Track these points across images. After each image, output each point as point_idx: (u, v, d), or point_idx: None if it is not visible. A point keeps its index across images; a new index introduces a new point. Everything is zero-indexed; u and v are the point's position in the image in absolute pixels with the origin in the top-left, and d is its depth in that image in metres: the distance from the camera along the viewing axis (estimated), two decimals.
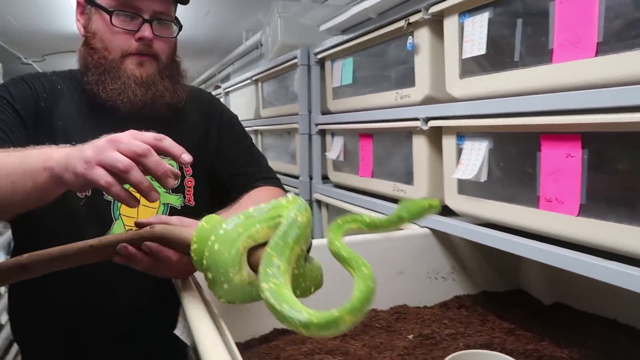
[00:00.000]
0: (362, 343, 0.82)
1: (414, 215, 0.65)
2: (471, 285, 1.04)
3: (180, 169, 0.93)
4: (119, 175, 0.58)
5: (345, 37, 1.42)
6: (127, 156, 0.58)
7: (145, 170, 0.59)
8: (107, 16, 0.88)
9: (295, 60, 1.72)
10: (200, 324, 0.58)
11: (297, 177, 1.81)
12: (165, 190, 0.92)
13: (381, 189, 1.31)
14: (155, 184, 0.61)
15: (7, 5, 2.72)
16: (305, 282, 0.63)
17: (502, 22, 0.86)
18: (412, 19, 1.08)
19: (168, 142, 0.62)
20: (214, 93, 3.53)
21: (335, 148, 1.55)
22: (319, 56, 1.63)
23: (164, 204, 0.94)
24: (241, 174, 1.03)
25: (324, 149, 1.67)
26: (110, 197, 0.88)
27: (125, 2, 0.88)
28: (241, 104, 2.65)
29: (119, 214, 0.90)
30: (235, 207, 0.85)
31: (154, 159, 0.59)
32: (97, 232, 0.80)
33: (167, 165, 0.60)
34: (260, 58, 3.19)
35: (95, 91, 0.90)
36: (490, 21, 0.88)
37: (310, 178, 1.75)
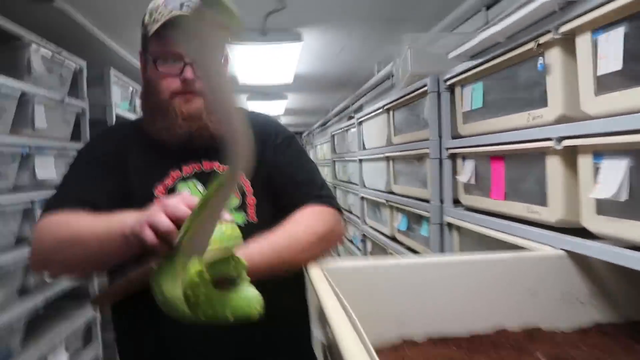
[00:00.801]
0: (490, 359, 0.83)
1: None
2: (614, 312, 0.98)
3: (241, 187, 1.00)
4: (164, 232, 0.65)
5: (474, 63, 1.45)
6: (171, 219, 0.65)
7: None
8: (154, 63, 0.98)
9: (425, 88, 1.77)
10: (339, 323, 0.66)
11: (428, 201, 1.84)
12: (229, 210, 0.98)
13: (514, 212, 1.29)
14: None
15: None
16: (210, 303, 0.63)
17: (638, 36, 0.84)
18: (542, 39, 1.08)
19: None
20: (347, 123, 3.73)
21: (466, 171, 1.56)
22: (449, 82, 1.66)
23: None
24: (295, 192, 1.05)
25: (454, 172, 1.69)
26: None
27: (168, 50, 0.97)
28: (373, 132, 2.76)
29: None
30: (279, 228, 0.90)
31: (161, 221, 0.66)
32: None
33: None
34: (391, 88, 3.30)
35: (151, 130, 1.01)
36: (626, 36, 0.86)
37: (442, 202, 1.77)
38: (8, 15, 1.51)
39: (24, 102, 1.61)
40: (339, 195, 4.50)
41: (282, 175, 1.06)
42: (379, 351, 0.97)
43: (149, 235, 0.66)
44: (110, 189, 0.95)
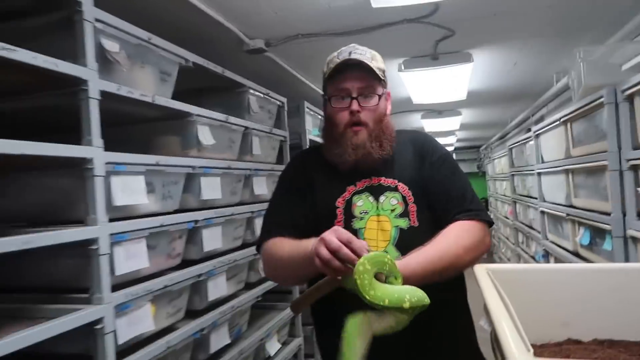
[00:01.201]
0: None
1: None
2: None
3: (404, 198, 1.20)
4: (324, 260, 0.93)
5: None
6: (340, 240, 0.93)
7: (339, 259, 0.92)
8: (329, 101, 1.22)
9: (602, 100, 1.76)
10: (500, 318, 0.82)
11: (609, 214, 1.80)
12: (395, 216, 1.19)
13: None
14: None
15: None
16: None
17: None
18: None
19: (356, 244, 0.92)
20: (524, 136, 3.65)
21: None
22: (627, 93, 1.64)
23: (394, 226, 1.19)
24: (447, 206, 1.19)
25: (637, 184, 1.64)
26: (356, 227, 1.19)
27: (338, 88, 1.19)
28: (551, 145, 2.71)
29: (364, 237, 1.19)
30: (432, 242, 1.07)
31: (343, 253, 0.91)
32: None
33: (347, 255, 0.92)
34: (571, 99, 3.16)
35: (329, 156, 1.24)
36: None
37: (624, 214, 1.72)
38: (230, 67, 1.99)
39: (245, 135, 2.08)
40: (519, 209, 4.37)
41: (437, 189, 1.22)
42: (542, 346, 1.08)
43: (324, 251, 0.93)
44: (304, 208, 1.24)
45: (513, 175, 4.55)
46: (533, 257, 3.62)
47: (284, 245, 1.16)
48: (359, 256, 0.91)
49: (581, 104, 2.00)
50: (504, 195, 5.59)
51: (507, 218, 5.39)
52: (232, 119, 1.92)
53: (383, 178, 1.23)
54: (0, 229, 1.16)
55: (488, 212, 1.26)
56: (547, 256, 3.01)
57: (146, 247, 1.36)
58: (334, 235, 0.94)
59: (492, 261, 7.25)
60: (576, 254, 2.34)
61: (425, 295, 0.92)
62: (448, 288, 1.16)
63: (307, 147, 1.50)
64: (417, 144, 1.28)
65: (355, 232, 1.19)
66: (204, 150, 1.72)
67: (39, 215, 1.29)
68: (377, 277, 0.92)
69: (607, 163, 1.76)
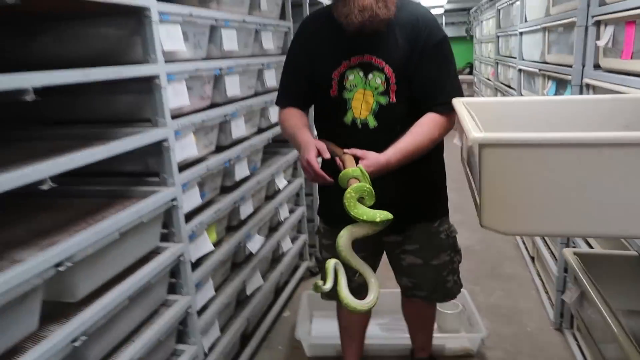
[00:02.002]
0: None
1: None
2: None
3: (387, 78, 1.46)
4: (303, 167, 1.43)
5: None
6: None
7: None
8: None
9: None
10: (466, 116, 1.15)
11: (571, 66, 2.10)
12: (378, 93, 1.47)
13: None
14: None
15: None
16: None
17: None
18: None
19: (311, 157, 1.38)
20: None
21: (605, 36, 1.80)
22: None
23: (376, 101, 1.48)
24: (424, 95, 1.46)
25: (597, 38, 1.92)
26: (346, 96, 1.50)
27: None
28: (535, 4, 2.91)
29: (351, 106, 1.50)
30: (407, 135, 1.41)
31: (306, 173, 1.43)
32: (341, 114, 1.51)
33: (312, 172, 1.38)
34: None
35: (336, 15, 1.41)
36: None
37: (583, 66, 2.03)
38: None
39: None
40: (500, 70, 4.63)
41: (420, 77, 1.45)
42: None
43: (302, 162, 1.41)
44: (305, 79, 1.58)
45: (499, 37, 4.73)
46: None
47: (290, 123, 1.57)
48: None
49: None
50: (488, 57, 5.80)
51: (488, 80, 5.67)
52: None
53: (374, 57, 1.47)
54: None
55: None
56: None
57: (186, 87, 1.65)
58: (306, 154, 1.38)
59: None
60: None
61: (389, 213, 1.26)
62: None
63: (315, 11, 1.71)
64: (415, 28, 1.44)
65: (344, 101, 1.51)
66: (222, 4, 1.92)
67: (101, 62, 1.54)
68: (359, 200, 1.28)
69: (575, 19, 2.02)
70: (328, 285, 1.23)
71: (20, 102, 0.91)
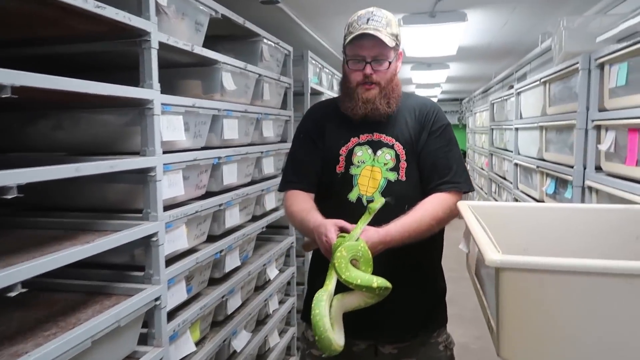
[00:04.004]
0: None
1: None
2: None
3: (397, 155, 1.44)
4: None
5: (620, 46, 1.67)
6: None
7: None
8: (347, 62, 1.44)
9: (577, 65, 2.01)
10: (476, 229, 1.09)
11: (572, 167, 2.09)
12: (386, 169, 1.43)
13: None
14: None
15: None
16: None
17: None
18: None
19: (331, 235, 1.23)
20: (506, 93, 3.90)
21: (607, 141, 1.80)
22: (598, 61, 1.88)
23: (384, 177, 1.43)
24: (431, 174, 1.44)
25: (598, 142, 1.92)
26: (352, 172, 1.44)
27: (355, 53, 1.41)
28: (530, 102, 2.98)
29: (357, 182, 1.44)
30: (411, 212, 1.33)
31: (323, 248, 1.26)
32: (346, 191, 1.44)
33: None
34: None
35: (342, 108, 1.47)
36: None
37: (584, 167, 2.01)
38: (245, 17, 2.15)
39: (258, 81, 2.27)
40: (494, 161, 4.68)
41: (428, 157, 1.45)
42: None
43: (320, 241, 1.27)
44: (317, 155, 1.51)
45: (492, 129, 4.83)
46: None
47: (299, 207, 1.43)
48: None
49: (560, 67, 2.24)
50: (482, 148, 5.90)
51: (482, 169, 5.73)
52: (250, 67, 2.11)
53: (384, 135, 1.47)
54: (62, 158, 1.37)
55: (469, 178, 1.52)
56: None
57: (182, 178, 1.59)
58: (328, 233, 1.23)
59: None
60: (541, 202, 2.67)
61: (386, 281, 1.13)
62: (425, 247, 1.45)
63: (320, 101, 1.74)
64: (422, 111, 1.50)
65: (351, 177, 1.46)
66: (226, 95, 1.92)
67: (98, 148, 1.50)
68: (353, 264, 1.14)
69: (575, 122, 2.03)
70: None
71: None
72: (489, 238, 1.01)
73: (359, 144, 1.48)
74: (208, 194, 1.87)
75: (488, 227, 1.16)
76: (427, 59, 4.86)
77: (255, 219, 2.35)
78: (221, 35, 2.27)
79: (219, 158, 1.85)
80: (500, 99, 4.35)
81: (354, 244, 1.13)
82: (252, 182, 2.28)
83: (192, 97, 1.70)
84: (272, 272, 2.51)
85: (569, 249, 1.32)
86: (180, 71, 1.89)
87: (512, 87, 3.76)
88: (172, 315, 1.58)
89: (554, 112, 2.44)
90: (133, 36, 1.28)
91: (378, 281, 1.09)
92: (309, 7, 2.78)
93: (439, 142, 1.47)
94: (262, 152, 2.30)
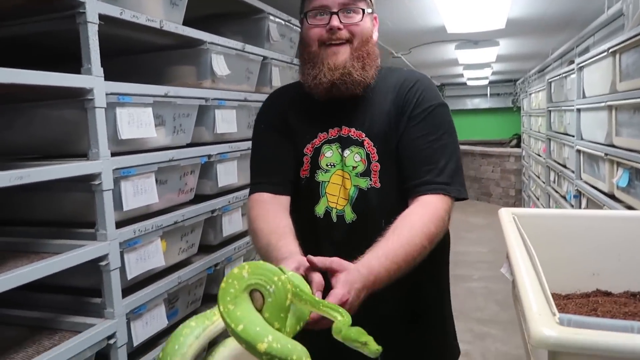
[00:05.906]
0: None
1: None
2: None
3: (368, 155, 1.05)
4: None
5: None
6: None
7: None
8: (306, 19, 1.06)
9: None
10: (521, 266, 0.75)
11: None
12: (355, 174, 1.06)
13: None
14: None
15: (384, 11, 3.36)
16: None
17: None
18: None
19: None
20: (566, 69, 3.40)
21: None
22: None
23: (354, 185, 1.07)
24: (411, 172, 1.05)
25: None
26: (319, 179, 1.08)
27: (317, 5, 1.04)
28: (595, 78, 2.51)
29: (325, 192, 1.08)
30: (395, 232, 0.93)
31: None
32: (312, 203, 1.08)
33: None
34: (623, 28, 2.88)
35: (302, 81, 1.09)
36: None
37: None
38: None
39: (264, 65, 1.97)
40: (553, 147, 4.18)
41: (407, 150, 1.07)
42: (568, 297, 1.01)
43: None
44: (287, 148, 1.13)
45: (550, 111, 4.32)
46: (564, 197, 3.49)
47: (267, 224, 1.03)
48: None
49: (635, 32, 1.80)
50: (538, 132, 5.36)
51: (539, 155, 5.20)
52: (249, 48, 1.80)
53: (353, 129, 1.09)
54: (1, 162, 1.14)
55: (463, 184, 1.07)
56: (579, 197, 2.88)
57: (155, 182, 1.32)
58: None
59: (521, 199, 7.13)
60: (612, 196, 2.22)
61: (307, 355, 0.67)
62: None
63: (282, 86, 1.33)
64: (402, 90, 1.10)
65: (317, 185, 1.09)
66: (218, 81, 1.63)
67: (44, 148, 1.25)
68: (253, 297, 0.68)
69: None
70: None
71: None
72: (539, 284, 0.67)
73: (328, 141, 1.10)
74: (200, 198, 1.60)
75: (542, 243, 0.89)
76: (473, 34, 4.37)
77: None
78: (221, 13, 1.99)
79: (209, 156, 1.57)
80: (558, 77, 3.83)
81: (267, 267, 0.70)
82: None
83: (183, 85, 1.42)
84: None
85: None
86: (169, 55, 1.62)
87: (572, 62, 3.26)
88: (150, 345, 1.33)
89: (627, 88, 1.98)
90: (66, 8, 1.01)
91: (275, 346, 0.63)
92: None
93: (421, 129, 1.07)
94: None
